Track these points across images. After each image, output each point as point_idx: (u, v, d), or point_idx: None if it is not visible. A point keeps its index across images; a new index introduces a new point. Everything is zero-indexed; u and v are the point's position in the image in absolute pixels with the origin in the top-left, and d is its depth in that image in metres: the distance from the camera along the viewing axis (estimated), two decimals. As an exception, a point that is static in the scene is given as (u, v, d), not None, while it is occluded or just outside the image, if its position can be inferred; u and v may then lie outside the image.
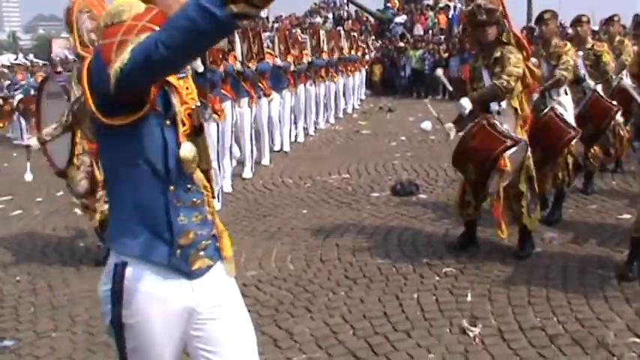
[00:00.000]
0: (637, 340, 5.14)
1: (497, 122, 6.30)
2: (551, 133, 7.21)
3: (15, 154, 16.98)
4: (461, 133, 6.69)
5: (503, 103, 6.49)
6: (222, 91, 9.99)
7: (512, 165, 6.29)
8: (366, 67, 25.20)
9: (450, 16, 30.33)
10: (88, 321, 5.94)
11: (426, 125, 7.38)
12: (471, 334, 5.26)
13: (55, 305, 6.42)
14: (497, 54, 6.47)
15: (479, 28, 6.57)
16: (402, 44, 28.21)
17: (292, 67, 14.03)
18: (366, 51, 25.45)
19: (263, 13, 35.05)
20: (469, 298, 5.94)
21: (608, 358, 4.83)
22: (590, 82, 8.51)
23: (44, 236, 8.90)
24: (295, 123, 15.24)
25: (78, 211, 9.64)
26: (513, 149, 6.22)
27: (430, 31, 30.07)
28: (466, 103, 6.46)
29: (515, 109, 6.54)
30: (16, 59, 27.16)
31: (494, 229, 7.07)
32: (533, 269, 6.51)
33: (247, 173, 11.57)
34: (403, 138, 15.29)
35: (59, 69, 15.91)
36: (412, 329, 5.43)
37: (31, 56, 26.15)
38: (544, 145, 7.14)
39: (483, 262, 6.70)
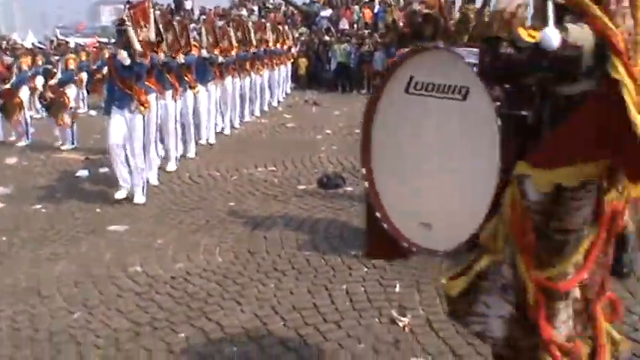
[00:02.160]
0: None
1: None
2: None
3: None
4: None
5: None
6: (147, 83, 9.88)
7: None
8: (292, 60, 25.19)
9: (375, 11, 30.48)
10: (12, 316, 5.84)
11: None
12: (401, 324, 5.35)
13: (-23, 300, 6.29)
14: None
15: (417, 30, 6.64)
16: (327, 38, 28.27)
17: (220, 60, 13.96)
18: (292, 44, 25.45)
19: (187, 5, 34.81)
20: (397, 289, 6.02)
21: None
22: None
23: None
24: (222, 116, 15.16)
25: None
26: None
27: (355, 25, 30.22)
28: None
29: None
30: None
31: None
32: (459, 260, 6.60)
33: (171, 166, 11.47)
34: (329, 131, 15.33)
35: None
36: (342, 320, 5.49)
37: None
38: None
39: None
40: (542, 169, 3.09)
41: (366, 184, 4.09)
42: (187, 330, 5.43)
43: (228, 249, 7.26)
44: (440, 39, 6.67)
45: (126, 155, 9.49)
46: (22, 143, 15.23)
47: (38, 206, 9.48)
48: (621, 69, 2.81)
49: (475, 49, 3.65)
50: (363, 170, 4.08)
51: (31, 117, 16.09)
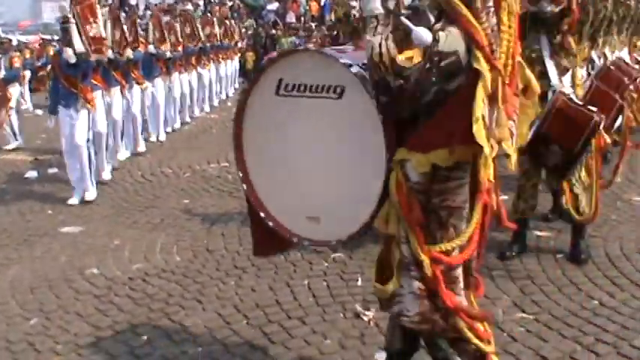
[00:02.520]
0: (524, 315, 5.33)
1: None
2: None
3: None
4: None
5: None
6: (93, 80, 9.71)
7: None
8: (239, 54, 25.04)
9: (322, 4, 30.42)
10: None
11: None
12: (365, 318, 5.32)
13: None
14: None
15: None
16: (274, 31, 28.16)
17: (168, 55, 13.82)
18: (239, 39, 25.29)
19: (132, 1, 34.37)
20: (360, 283, 5.99)
21: (499, 334, 4.91)
22: None
23: None
24: (172, 112, 14.99)
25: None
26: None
27: (302, 18, 30.13)
28: None
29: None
30: None
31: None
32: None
33: (116, 163, 11.28)
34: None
35: None
36: (306, 316, 5.45)
37: None
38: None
39: (371, 247, 6.70)
40: (421, 153, 3.41)
41: (244, 186, 4.12)
42: (149, 332, 5.34)
43: (187, 247, 7.16)
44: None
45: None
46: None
47: (-13, 209, 9.28)
48: (482, 61, 3.23)
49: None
50: (240, 173, 4.12)
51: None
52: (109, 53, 10.36)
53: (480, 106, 3.25)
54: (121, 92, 11.16)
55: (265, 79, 3.90)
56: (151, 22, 14.56)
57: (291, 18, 30.24)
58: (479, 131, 3.24)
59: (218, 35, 19.35)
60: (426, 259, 3.46)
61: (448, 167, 3.47)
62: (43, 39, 22.68)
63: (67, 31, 9.29)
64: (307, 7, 31.19)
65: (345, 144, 3.71)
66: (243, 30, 28.36)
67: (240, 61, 25.16)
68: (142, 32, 13.55)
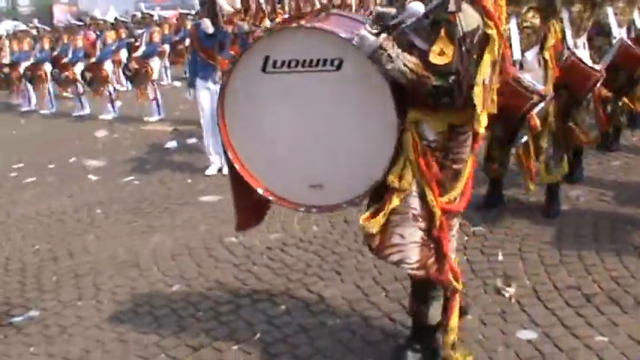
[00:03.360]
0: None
1: (521, 76, 6.11)
2: (577, 75, 6.64)
3: (23, 121, 16.93)
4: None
5: (528, 54, 6.30)
6: (231, 52, 9.79)
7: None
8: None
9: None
10: (112, 289, 5.86)
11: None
12: (507, 295, 5.17)
13: (78, 273, 6.33)
14: None
15: None
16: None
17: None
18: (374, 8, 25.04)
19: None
20: (500, 258, 5.83)
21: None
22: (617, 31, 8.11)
23: (60, 203, 8.80)
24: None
25: (92, 176, 9.60)
26: (541, 105, 6.04)
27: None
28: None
29: (546, 61, 6.36)
30: (16, 26, 26.95)
31: (519, 188, 6.98)
32: (562, 227, 6.37)
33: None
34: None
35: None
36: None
37: (35, 21, 25.81)
38: (568, 89, 6.70)
39: (511, 221, 6.58)
40: (436, 114, 3.75)
41: (237, 166, 4.13)
42: (287, 301, 5.35)
43: (325, 218, 7.12)
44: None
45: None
46: (109, 116, 15.42)
47: (130, 178, 9.55)
48: (492, 26, 3.62)
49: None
50: (229, 154, 4.14)
51: (115, 89, 16.27)
52: (246, 25, 10.44)
53: (484, 71, 3.63)
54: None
55: (249, 58, 3.91)
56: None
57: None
58: (478, 95, 3.61)
59: (352, 5, 19.22)
60: (438, 211, 3.85)
61: (460, 125, 3.82)
62: (181, 13, 23.09)
63: (207, 3, 9.40)
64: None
65: (346, 112, 3.85)
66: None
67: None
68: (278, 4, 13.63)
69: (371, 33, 3.53)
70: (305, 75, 3.80)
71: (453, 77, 3.56)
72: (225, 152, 4.20)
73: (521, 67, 6.23)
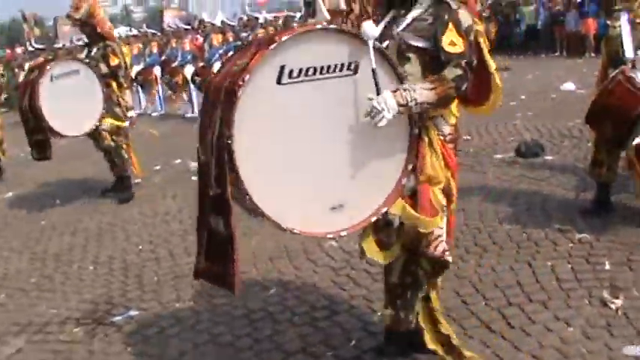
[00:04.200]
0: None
1: (634, 75, 5.86)
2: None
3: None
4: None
5: None
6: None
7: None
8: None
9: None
10: (209, 292, 5.87)
11: None
12: (613, 307, 4.93)
13: (177, 274, 6.39)
14: None
15: None
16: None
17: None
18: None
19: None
20: (607, 267, 5.58)
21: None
22: None
23: (165, 204, 8.94)
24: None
25: (195, 178, 9.68)
26: None
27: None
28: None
29: None
30: (130, 31, 27.71)
31: (628, 193, 6.71)
32: (674, 235, 6.09)
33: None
34: (523, 97, 14.74)
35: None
36: (548, 300, 5.13)
37: (144, 27, 26.52)
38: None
39: (620, 228, 6.31)
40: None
41: (258, 209, 3.41)
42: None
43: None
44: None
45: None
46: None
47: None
48: (479, 24, 4.03)
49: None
50: (247, 194, 3.33)
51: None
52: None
53: (491, 59, 4.00)
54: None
55: (262, 69, 3.27)
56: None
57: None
58: (498, 80, 4.02)
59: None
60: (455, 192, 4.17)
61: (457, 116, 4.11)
62: (287, 16, 23.24)
63: (311, 4, 9.38)
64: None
65: (358, 119, 3.61)
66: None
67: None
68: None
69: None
70: (322, 83, 3.47)
71: (464, 62, 3.80)
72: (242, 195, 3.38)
73: (634, 66, 5.99)
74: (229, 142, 3.19)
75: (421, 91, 3.67)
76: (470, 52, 3.82)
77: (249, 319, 5.34)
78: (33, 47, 26.39)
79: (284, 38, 3.30)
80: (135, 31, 26.31)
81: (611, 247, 5.93)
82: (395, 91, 3.60)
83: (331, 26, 3.54)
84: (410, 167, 3.85)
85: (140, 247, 7.32)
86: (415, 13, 3.94)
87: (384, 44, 3.82)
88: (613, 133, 6.06)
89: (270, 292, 5.78)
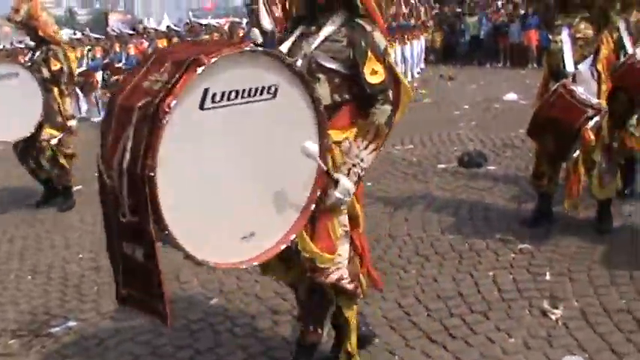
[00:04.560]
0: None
1: (574, 89, 5.94)
2: (636, 78, 6.02)
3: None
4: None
5: (581, 66, 6.14)
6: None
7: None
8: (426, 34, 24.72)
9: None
10: (149, 301, 5.78)
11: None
12: (553, 317, 4.97)
13: (117, 284, 6.28)
14: None
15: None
16: (459, 10, 27.69)
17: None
18: (424, 18, 24.88)
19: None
20: (548, 277, 5.64)
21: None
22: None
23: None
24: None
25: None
26: (596, 119, 5.85)
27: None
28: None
29: (600, 74, 6.17)
30: (74, 34, 27.40)
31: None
32: (614, 246, 6.15)
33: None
34: (466, 107, 14.88)
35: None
36: (490, 310, 5.16)
37: (87, 31, 26.22)
38: (627, 92, 6.13)
39: (560, 239, 6.37)
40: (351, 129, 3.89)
41: (179, 246, 3.08)
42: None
43: (369, 232, 6.93)
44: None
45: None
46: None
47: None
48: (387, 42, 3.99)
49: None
50: (167, 229, 3.00)
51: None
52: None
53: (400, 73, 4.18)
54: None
55: (189, 92, 2.98)
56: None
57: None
58: (407, 83, 4.18)
59: (404, 14, 19.16)
60: (362, 215, 4.11)
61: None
62: (231, 22, 23.15)
63: (254, 11, 9.36)
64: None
65: (275, 142, 3.44)
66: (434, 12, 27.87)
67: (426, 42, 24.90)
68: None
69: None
70: (242, 107, 3.22)
71: (389, 93, 3.92)
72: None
73: (574, 79, 6.07)
74: (152, 174, 2.87)
75: (367, 157, 3.80)
76: (389, 78, 3.88)
77: (190, 330, 5.26)
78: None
79: (213, 60, 3.00)
80: (79, 34, 25.96)
81: (552, 258, 5.98)
82: (347, 174, 3.72)
83: (258, 48, 3.37)
84: (317, 193, 3.64)
85: (80, 255, 7.18)
86: (327, 31, 3.83)
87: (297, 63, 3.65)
88: (555, 146, 6.12)
89: (212, 302, 5.71)
